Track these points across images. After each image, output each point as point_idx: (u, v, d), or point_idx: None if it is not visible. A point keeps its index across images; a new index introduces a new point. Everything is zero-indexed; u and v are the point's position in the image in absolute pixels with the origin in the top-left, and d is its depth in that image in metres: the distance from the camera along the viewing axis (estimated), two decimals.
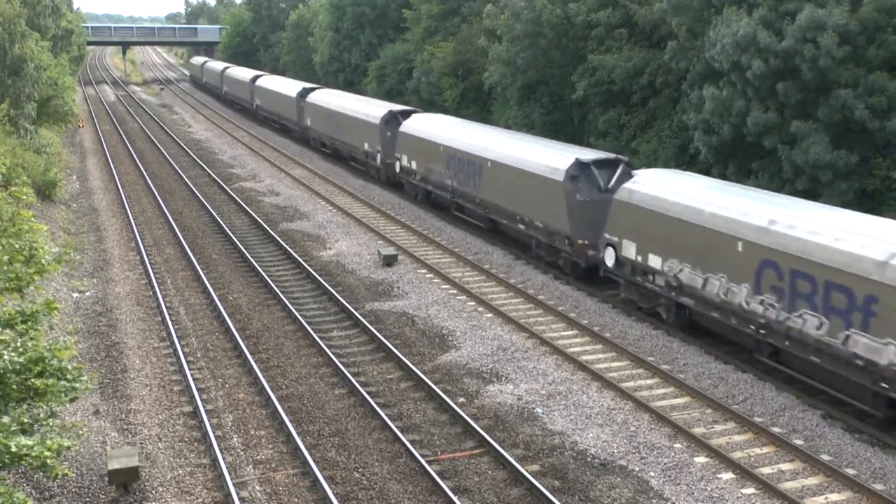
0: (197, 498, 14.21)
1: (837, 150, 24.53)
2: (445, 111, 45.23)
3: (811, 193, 24.62)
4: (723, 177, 27.80)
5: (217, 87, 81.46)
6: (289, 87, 56.35)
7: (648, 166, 28.11)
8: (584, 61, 37.00)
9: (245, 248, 28.94)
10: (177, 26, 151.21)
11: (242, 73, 72.26)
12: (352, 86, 64.00)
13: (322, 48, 69.99)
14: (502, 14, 40.22)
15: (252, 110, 66.06)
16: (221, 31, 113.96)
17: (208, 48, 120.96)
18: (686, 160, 31.63)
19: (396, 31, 61.80)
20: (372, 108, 40.50)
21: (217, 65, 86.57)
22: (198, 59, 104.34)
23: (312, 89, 52.04)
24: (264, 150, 51.24)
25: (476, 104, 47.40)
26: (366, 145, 40.07)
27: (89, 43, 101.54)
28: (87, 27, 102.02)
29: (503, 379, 18.76)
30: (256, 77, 65.40)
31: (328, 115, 46.18)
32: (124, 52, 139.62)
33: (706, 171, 28.67)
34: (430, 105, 48.25)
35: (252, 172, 44.41)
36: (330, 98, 47.86)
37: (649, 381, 18.59)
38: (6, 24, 35.64)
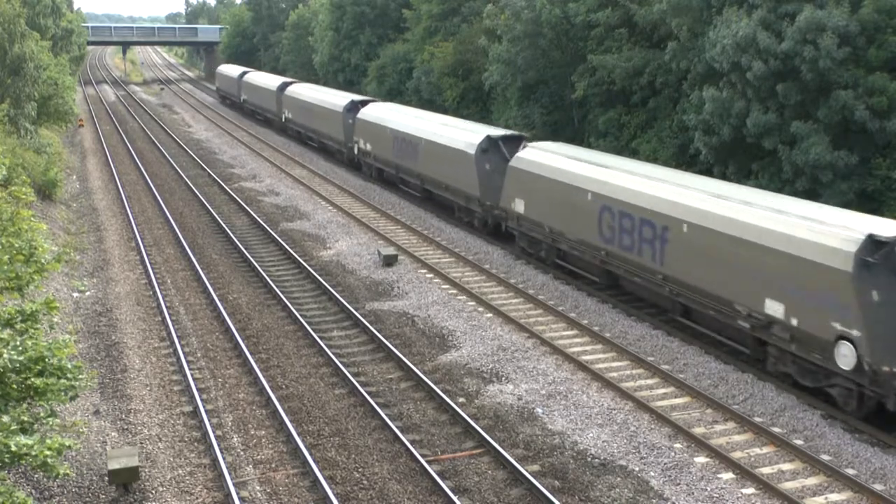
0: (197, 498, 14.21)
1: (837, 150, 24.53)
2: (445, 111, 45.21)
3: (811, 193, 24.63)
4: (723, 177, 27.81)
5: (270, 111, 60.08)
6: (446, 130, 32.68)
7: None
8: (583, 61, 37.01)
9: (245, 248, 28.94)
10: (177, 26, 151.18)
11: (326, 97, 48.07)
12: (352, 85, 63.99)
13: (322, 48, 69.99)
14: (502, 14, 40.23)
15: (348, 155, 43.22)
16: (221, 31, 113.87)
17: (208, 48, 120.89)
18: (686, 160, 31.64)
19: (396, 31, 61.82)
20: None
21: (267, 80, 63.23)
22: (230, 69, 78.62)
23: (514, 141, 29.14)
24: (265, 151, 51.23)
25: (476, 104, 47.39)
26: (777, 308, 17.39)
27: (89, 43, 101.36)
28: (88, 27, 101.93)
29: (503, 379, 18.76)
30: (358, 105, 42.71)
31: (616, 210, 22.04)
32: (124, 52, 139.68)
33: (706, 172, 28.68)
34: (430, 105, 48.22)
35: (252, 172, 44.41)
36: (601, 173, 23.45)
37: (649, 381, 18.59)
38: (6, 23, 35.63)
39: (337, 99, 45.83)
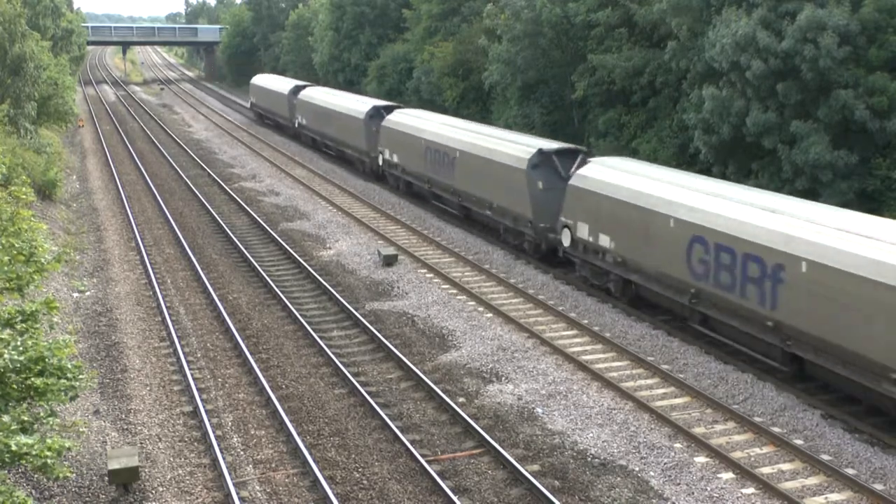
0: (197, 498, 14.21)
1: (837, 150, 24.53)
2: (445, 111, 45.18)
3: (811, 193, 24.62)
4: (723, 176, 27.79)
5: (352, 146, 42.85)
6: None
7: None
8: (583, 61, 37.00)
9: (245, 248, 28.94)
10: (177, 26, 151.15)
11: (487, 142, 29.72)
12: (352, 85, 64.01)
13: (322, 48, 69.99)
14: (502, 13, 40.22)
15: (536, 240, 26.67)
16: (221, 30, 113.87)
17: (208, 48, 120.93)
18: (686, 160, 31.63)
19: (396, 31, 61.81)
20: None
21: (346, 102, 45.16)
22: (274, 82, 61.22)
23: None
24: (265, 151, 51.22)
25: (476, 104, 47.39)
26: None
27: (89, 43, 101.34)
28: (88, 27, 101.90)
29: (503, 379, 18.76)
30: (552, 157, 26.51)
31: None
32: (124, 52, 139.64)
33: (706, 171, 28.67)
34: (430, 105, 48.21)
35: (252, 172, 44.40)
36: None
37: (649, 381, 18.59)
38: (6, 23, 35.65)
39: (510, 147, 27.82)
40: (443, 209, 33.38)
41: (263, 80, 64.85)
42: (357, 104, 43.25)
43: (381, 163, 38.73)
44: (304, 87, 54.80)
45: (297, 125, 53.20)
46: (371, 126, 40.02)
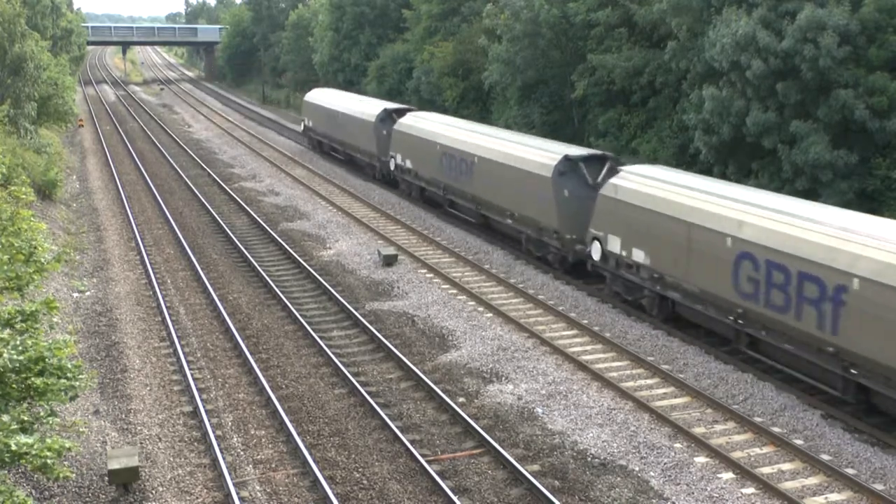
0: (197, 498, 14.21)
1: (837, 149, 24.54)
2: (446, 111, 45.15)
3: (811, 193, 24.64)
4: (723, 176, 27.80)
5: (528, 222, 26.24)
6: None
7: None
8: (583, 61, 37.02)
9: (245, 248, 28.94)
10: (177, 26, 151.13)
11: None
12: (351, 85, 64.00)
13: (322, 48, 69.99)
14: (502, 14, 40.23)
15: None
16: (221, 30, 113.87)
17: (208, 48, 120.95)
18: (686, 160, 31.63)
19: (396, 31, 61.81)
20: None
21: (521, 150, 26.77)
22: (350, 102, 43.96)
23: None
24: (264, 150, 51.22)
25: (476, 104, 47.38)
26: None
27: (89, 43, 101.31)
28: (88, 27, 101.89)
29: (503, 379, 18.75)
30: None
31: None
32: (124, 52, 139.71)
33: (707, 171, 28.67)
34: (431, 105, 48.17)
35: (252, 172, 44.40)
36: None
37: (649, 381, 18.59)
38: (6, 23, 35.67)
39: None
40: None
41: (326, 97, 47.63)
42: (533, 152, 26.39)
43: (593, 251, 23.23)
44: (402, 111, 38.48)
45: (393, 167, 36.80)
46: (562, 188, 24.50)
